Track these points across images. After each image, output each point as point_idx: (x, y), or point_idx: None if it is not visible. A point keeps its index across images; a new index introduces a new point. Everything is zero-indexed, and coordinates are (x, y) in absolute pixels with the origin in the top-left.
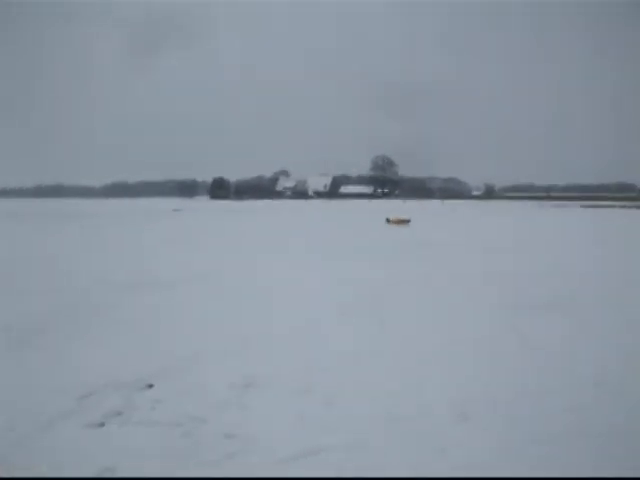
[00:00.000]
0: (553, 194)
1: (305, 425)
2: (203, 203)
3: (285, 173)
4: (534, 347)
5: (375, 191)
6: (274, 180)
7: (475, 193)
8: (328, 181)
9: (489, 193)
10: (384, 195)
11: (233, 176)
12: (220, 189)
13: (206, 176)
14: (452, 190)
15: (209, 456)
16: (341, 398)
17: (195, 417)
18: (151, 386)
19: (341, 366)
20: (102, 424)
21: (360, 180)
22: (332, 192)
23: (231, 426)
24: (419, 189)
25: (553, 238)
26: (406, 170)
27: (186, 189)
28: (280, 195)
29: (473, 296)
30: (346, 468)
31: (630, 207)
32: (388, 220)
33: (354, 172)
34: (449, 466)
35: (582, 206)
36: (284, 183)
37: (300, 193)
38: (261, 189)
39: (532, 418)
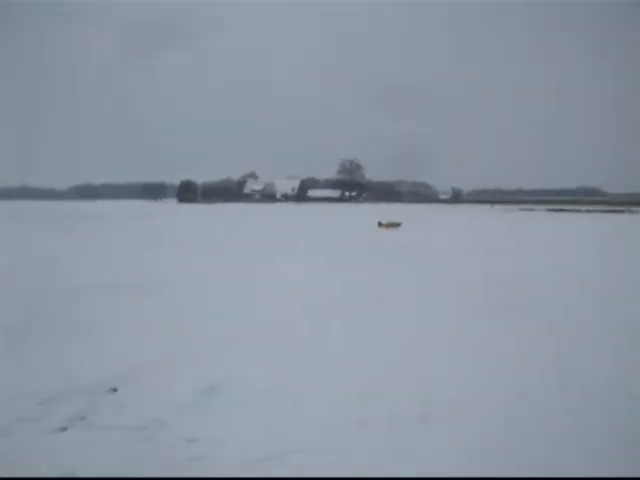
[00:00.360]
0: (520, 198)
1: (268, 428)
2: (172, 206)
3: (253, 176)
4: (491, 349)
5: (343, 194)
6: (242, 183)
7: (442, 197)
8: (296, 184)
9: (456, 197)
10: (351, 199)
11: (201, 179)
12: (188, 192)
13: (174, 178)
14: (420, 194)
15: (171, 460)
16: (306, 401)
17: (158, 421)
18: (115, 390)
19: (307, 369)
20: (65, 428)
21: (327, 183)
22: (300, 195)
23: (194, 430)
24: (387, 193)
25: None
26: (374, 174)
27: (154, 191)
28: (248, 198)
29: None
30: (308, 471)
31: (595, 211)
32: (380, 224)
33: (322, 175)
34: (409, 467)
35: (548, 210)
36: (252, 186)
37: (268, 196)
38: (229, 192)
39: (485, 421)
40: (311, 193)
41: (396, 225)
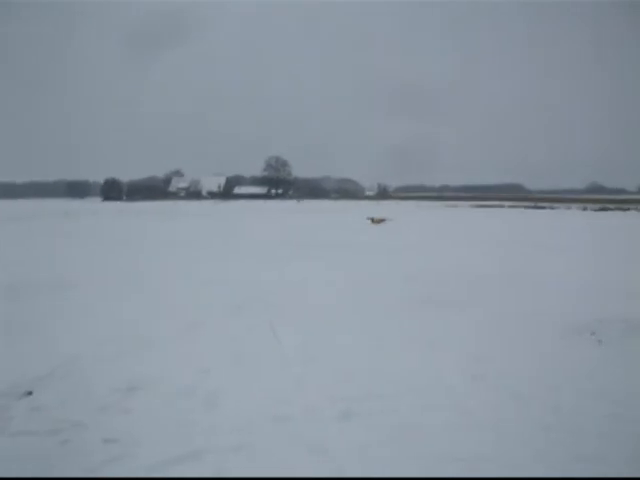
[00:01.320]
0: (446, 194)
1: (187, 428)
2: (96, 205)
3: (178, 173)
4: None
5: (269, 191)
6: (167, 181)
7: (368, 193)
8: (222, 181)
9: (382, 193)
10: (278, 196)
11: (125, 176)
12: (112, 190)
13: (98, 176)
14: (346, 190)
15: (88, 462)
16: (226, 400)
17: (75, 423)
18: (30, 393)
19: (226, 367)
20: None
21: (254, 181)
22: (226, 193)
23: (112, 431)
24: (314, 189)
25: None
26: (300, 171)
27: (77, 190)
28: (174, 196)
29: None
30: (228, 470)
31: (519, 207)
32: (372, 220)
33: (248, 173)
34: (328, 462)
35: (472, 206)
36: (177, 184)
37: (194, 194)
38: (154, 190)
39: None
40: (237, 190)
41: (383, 220)
